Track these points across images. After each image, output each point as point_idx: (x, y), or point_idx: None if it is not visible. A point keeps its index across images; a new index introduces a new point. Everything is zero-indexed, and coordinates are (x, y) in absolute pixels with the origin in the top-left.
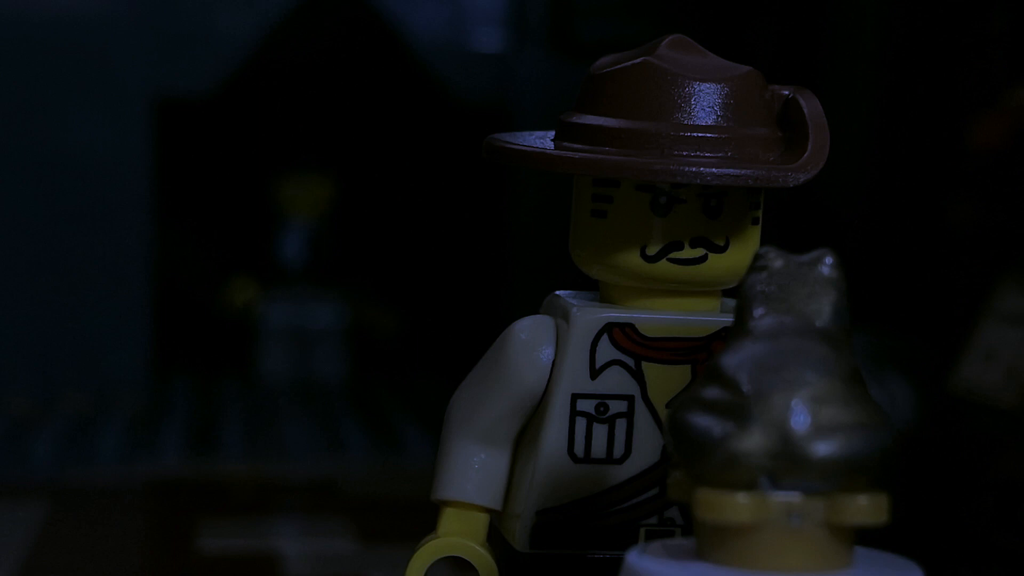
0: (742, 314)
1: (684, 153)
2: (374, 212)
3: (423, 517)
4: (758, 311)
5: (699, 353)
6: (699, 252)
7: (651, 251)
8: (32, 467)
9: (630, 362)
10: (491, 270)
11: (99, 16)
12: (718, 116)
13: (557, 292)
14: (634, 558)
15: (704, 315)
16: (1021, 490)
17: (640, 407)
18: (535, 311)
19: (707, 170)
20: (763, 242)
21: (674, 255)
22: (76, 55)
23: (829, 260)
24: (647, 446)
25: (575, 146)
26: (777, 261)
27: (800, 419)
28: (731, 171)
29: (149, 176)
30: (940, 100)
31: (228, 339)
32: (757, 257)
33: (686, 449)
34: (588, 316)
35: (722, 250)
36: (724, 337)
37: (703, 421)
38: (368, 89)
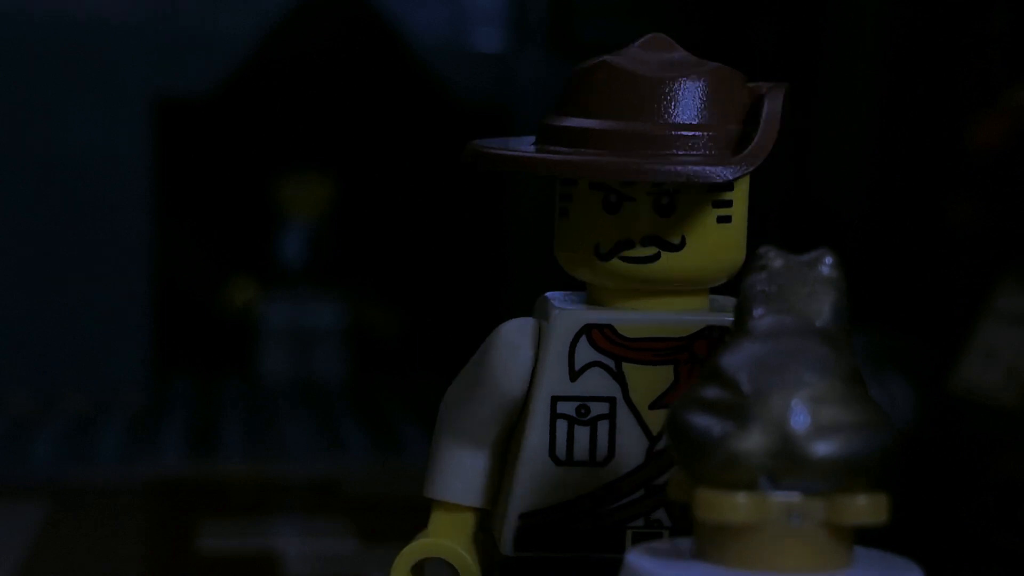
0: (742, 314)
1: (628, 151)
2: (374, 212)
3: (423, 517)
4: (758, 311)
5: (681, 353)
6: (652, 251)
7: (604, 249)
8: (32, 467)
9: (611, 363)
10: (491, 270)
11: (99, 16)
12: (664, 113)
13: (547, 293)
14: (634, 558)
15: (684, 314)
16: (1021, 490)
17: (622, 409)
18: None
19: (649, 167)
20: (763, 242)
21: (626, 253)
22: (76, 55)
23: (829, 260)
24: (630, 448)
25: (548, 147)
26: (777, 261)
27: (800, 419)
28: (661, 168)
29: (149, 176)
30: (940, 100)
31: (228, 339)
32: (757, 257)
33: (686, 449)
34: (567, 317)
35: (677, 248)
36: (708, 336)
37: (703, 421)
38: (368, 89)
